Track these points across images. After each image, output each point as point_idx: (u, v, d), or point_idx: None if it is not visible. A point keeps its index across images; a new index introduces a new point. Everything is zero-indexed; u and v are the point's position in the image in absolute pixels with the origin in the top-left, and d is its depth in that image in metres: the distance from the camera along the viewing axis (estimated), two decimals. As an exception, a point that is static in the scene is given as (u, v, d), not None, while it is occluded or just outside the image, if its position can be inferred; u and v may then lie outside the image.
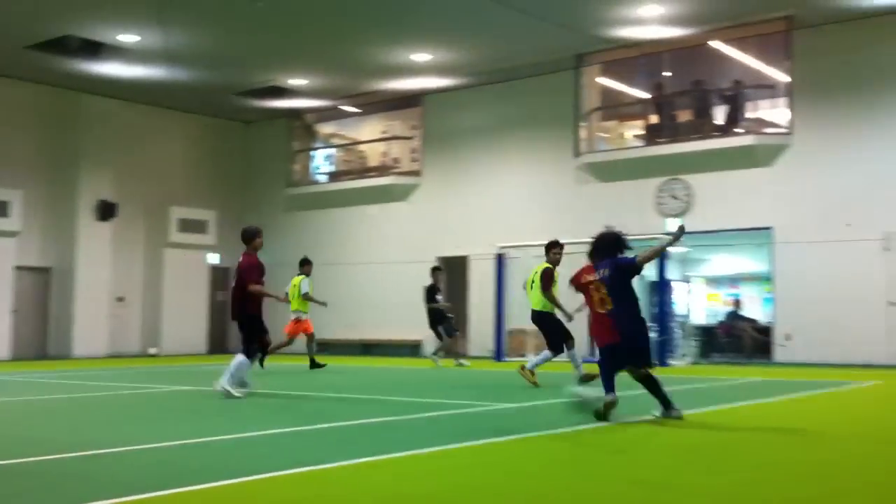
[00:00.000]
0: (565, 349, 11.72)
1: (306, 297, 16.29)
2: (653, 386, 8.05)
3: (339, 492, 4.98)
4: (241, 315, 10.78)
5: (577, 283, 8.58)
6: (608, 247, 8.34)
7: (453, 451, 6.32)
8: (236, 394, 10.18)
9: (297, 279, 16.56)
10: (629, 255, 8.31)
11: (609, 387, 7.90)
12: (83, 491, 4.92)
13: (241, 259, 10.91)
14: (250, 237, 10.90)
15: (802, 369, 15.79)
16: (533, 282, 11.95)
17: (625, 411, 8.21)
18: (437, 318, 17.67)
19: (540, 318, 11.90)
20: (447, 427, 7.97)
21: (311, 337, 16.48)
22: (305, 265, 16.62)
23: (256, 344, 10.86)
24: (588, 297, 8.37)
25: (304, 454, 6.20)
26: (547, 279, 11.70)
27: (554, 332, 11.77)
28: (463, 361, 17.63)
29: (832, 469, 5.68)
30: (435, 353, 17.70)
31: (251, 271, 10.68)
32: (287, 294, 16.44)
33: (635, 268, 8.19)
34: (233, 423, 8.12)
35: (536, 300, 11.85)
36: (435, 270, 18.24)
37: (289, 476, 5.29)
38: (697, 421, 7.98)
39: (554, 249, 12.03)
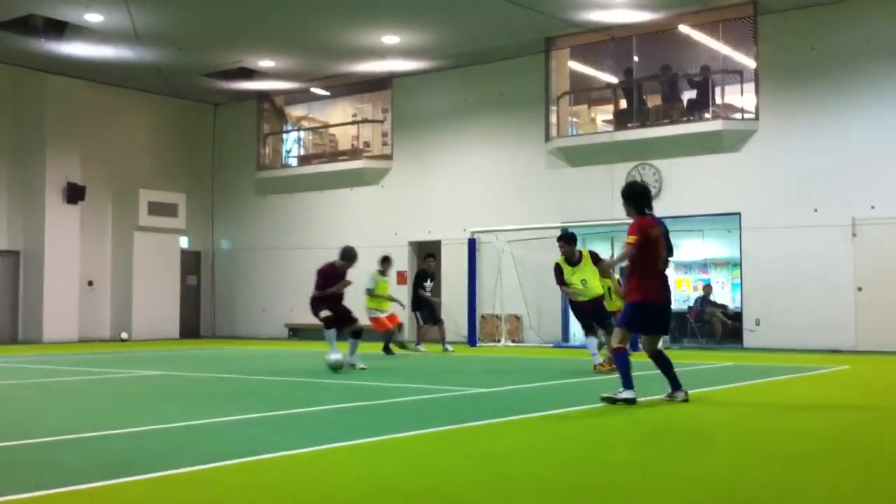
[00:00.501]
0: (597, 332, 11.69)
1: (369, 293, 15.95)
2: (666, 366, 8.13)
3: (301, 478, 4.96)
4: (315, 315, 12.58)
5: (647, 236, 7.79)
6: (649, 196, 8.07)
7: (423, 435, 6.33)
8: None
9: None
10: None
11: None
12: (45, 478, 4.86)
13: (325, 265, 12.81)
14: (352, 258, 12.71)
15: (772, 354, 15.94)
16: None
17: (596, 395, 8.24)
18: (418, 305, 17.60)
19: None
20: (417, 412, 7.98)
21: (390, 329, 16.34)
22: (383, 263, 16.42)
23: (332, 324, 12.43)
24: (654, 249, 7.82)
25: (269, 440, 6.17)
26: (557, 273, 11.60)
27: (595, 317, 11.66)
28: (448, 347, 17.48)
29: (803, 453, 5.73)
30: (417, 343, 17.71)
31: (321, 277, 12.61)
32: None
33: (672, 253, 8.03)
34: (200, 408, 8.08)
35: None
36: (427, 257, 18.19)
37: (253, 462, 5.27)
38: (670, 406, 8.03)
39: (559, 243, 11.84)
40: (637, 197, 8.07)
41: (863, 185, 16.78)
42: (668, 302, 8.01)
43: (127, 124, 24.14)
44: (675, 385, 8.11)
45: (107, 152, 23.49)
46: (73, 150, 22.42)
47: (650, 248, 7.81)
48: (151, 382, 11.13)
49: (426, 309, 17.62)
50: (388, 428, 6.56)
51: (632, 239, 7.75)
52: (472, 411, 7.82)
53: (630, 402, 7.78)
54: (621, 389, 7.87)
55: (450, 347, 17.52)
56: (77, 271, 22.37)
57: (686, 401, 8.02)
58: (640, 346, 8.47)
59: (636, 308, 7.89)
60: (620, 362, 7.95)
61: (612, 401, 7.83)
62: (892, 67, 16.68)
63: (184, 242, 24.87)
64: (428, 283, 17.70)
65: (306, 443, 5.91)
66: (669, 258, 8.02)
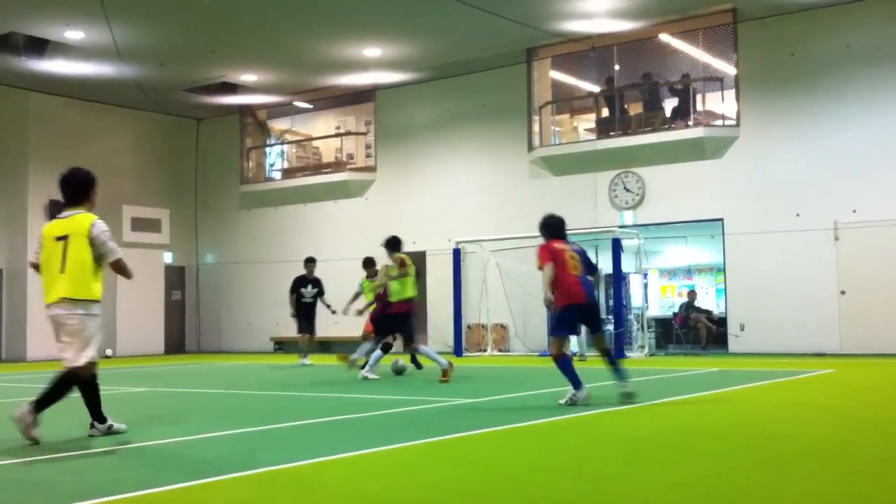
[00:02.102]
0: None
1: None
2: (612, 362, 8.90)
3: (289, 492, 4.96)
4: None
5: (553, 252, 8.89)
6: (562, 225, 9.29)
7: (411, 447, 6.33)
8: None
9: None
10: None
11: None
12: (32, 498, 4.84)
13: None
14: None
15: (757, 359, 16.01)
16: None
17: (586, 404, 8.26)
18: (297, 311, 17.02)
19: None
20: (404, 424, 7.98)
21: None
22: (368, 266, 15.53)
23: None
24: (563, 261, 8.83)
25: (257, 455, 6.15)
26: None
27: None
28: (305, 361, 16.97)
29: (789, 458, 5.76)
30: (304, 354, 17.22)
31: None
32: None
33: (596, 270, 9.30)
34: (186, 423, 8.06)
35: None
36: (307, 262, 17.60)
37: (241, 478, 5.26)
38: (655, 412, 8.06)
39: None
40: (550, 228, 9.27)
41: (844, 190, 16.90)
42: (591, 301, 8.94)
43: (109, 140, 24.06)
44: (621, 378, 8.82)
45: (89, 169, 23.31)
46: (55, 167, 21.81)
47: (559, 262, 8.84)
48: (137, 399, 11.08)
49: (305, 317, 17.06)
50: (377, 440, 6.56)
51: (540, 263, 8.88)
52: (459, 422, 7.83)
53: (582, 398, 8.58)
54: (573, 391, 8.60)
55: (307, 361, 16.93)
56: (61, 288, 22.22)
57: (630, 393, 8.69)
58: (594, 345, 9.48)
59: (562, 311, 8.89)
60: (563, 368, 8.77)
61: (572, 403, 8.52)
62: (870, 73, 16.84)
63: (168, 258, 24.79)
64: (308, 290, 17.17)
65: (294, 457, 5.90)
66: (591, 275, 9.16)
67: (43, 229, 7.00)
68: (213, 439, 6.99)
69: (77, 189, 7.10)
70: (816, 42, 17.41)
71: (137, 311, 23.44)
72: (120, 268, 7.06)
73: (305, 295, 17.15)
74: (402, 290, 12.56)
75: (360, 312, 14.44)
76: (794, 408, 8.70)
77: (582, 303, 8.81)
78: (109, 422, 7.06)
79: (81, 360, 6.86)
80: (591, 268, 9.20)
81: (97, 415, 7.02)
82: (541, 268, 8.85)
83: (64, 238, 6.78)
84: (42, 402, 6.82)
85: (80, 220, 6.88)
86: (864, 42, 16.96)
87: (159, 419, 8.71)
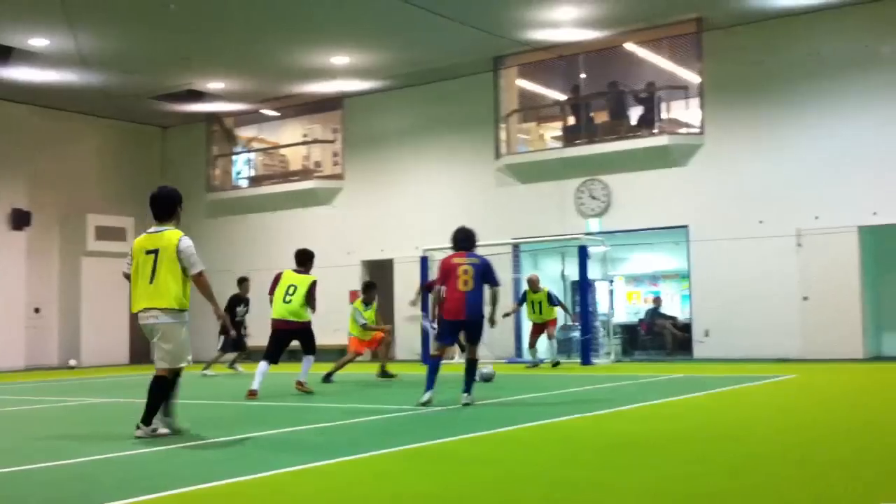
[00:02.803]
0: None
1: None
2: (468, 373, 9.63)
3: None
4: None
5: (447, 270, 9.70)
6: (469, 238, 9.99)
7: (381, 456, 6.33)
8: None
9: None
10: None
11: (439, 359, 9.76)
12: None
13: None
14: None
15: (721, 365, 16.16)
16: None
17: (554, 411, 8.31)
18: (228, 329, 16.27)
19: None
20: (374, 432, 7.97)
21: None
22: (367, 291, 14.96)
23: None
24: (454, 277, 9.60)
25: (224, 466, 6.13)
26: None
27: None
28: (237, 367, 17.40)
29: (755, 462, 5.83)
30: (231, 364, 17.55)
31: None
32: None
33: (495, 283, 9.88)
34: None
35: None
36: (241, 282, 17.79)
37: (207, 489, 5.24)
38: (624, 418, 8.13)
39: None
40: (456, 241, 10.00)
41: (806, 197, 17.13)
42: (470, 319, 9.62)
43: (74, 148, 23.84)
44: (467, 389, 9.57)
45: (53, 177, 23.16)
46: (18, 176, 22.09)
47: (450, 278, 9.61)
48: (101, 410, 10.99)
49: (236, 337, 16.68)
50: (345, 450, 6.55)
51: (437, 282, 9.89)
52: (430, 430, 7.84)
53: (425, 399, 9.42)
54: (425, 393, 9.42)
55: (239, 368, 17.32)
56: (23, 298, 22.01)
57: (468, 404, 9.37)
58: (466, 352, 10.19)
59: (445, 324, 9.83)
60: (429, 367, 9.72)
61: (425, 405, 9.35)
62: (834, 82, 17.08)
63: (133, 266, 24.53)
64: (241, 309, 17.35)
65: (262, 467, 5.87)
66: (494, 287, 9.84)
67: (134, 243, 7.68)
68: (173, 451, 6.93)
69: (166, 206, 7.71)
70: (780, 51, 17.64)
71: (102, 321, 23.19)
72: (201, 282, 7.64)
73: (239, 314, 17.35)
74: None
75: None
76: (759, 412, 8.81)
77: (462, 319, 9.61)
78: (154, 425, 7.47)
79: (175, 364, 7.50)
80: (491, 281, 9.79)
81: (148, 417, 7.42)
82: (437, 281, 9.83)
83: (154, 252, 7.44)
84: (148, 412, 7.42)
85: (168, 236, 7.52)
86: (829, 52, 17.20)
87: (118, 431, 8.64)
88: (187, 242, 7.54)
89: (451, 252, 10.00)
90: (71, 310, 23.07)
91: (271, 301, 12.13)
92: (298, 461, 6.07)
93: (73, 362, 22.55)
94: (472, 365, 9.73)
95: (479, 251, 10.18)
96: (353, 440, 7.37)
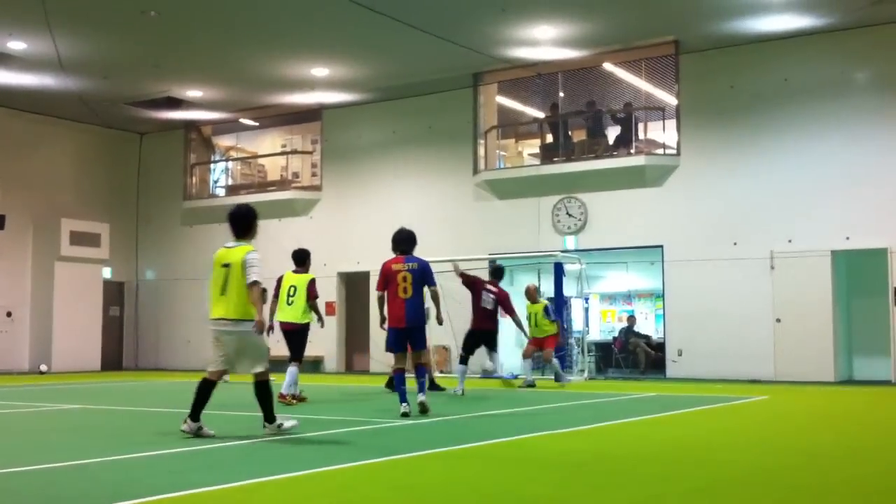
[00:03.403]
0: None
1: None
2: (420, 373, 10.03)
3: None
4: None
5: (387, 276, 9.88)
6: (408, 240, 10.09)
7: (348, 469, 6.31)
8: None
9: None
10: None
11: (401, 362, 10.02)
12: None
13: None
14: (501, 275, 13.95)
15: (694, 384, 16.23)
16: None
17: (523, 427, 8.31)
18: None
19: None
20: (343, 445, 7.94)
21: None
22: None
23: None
24: (394, 284, 9.79)
25: (193, 476, 6.10)
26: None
27: None
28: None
29: (724, 483, 5.86)
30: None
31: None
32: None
33: (432, 283, 10.02)
34: (121, 443, 7.93)
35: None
36: None
37: (175, 498, 5.20)
38: (592, 436, 8.14)
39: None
40: (395, 242, 10.18)
41: (780, 220, 17.29)
42: (410, 325, 9.86)
43: (49, 153, 23.69)
44: (421, 390, 9.97)
45: (28, 181, 23.00)
46: (-8, 178, 21.93)
47: (391, 285, 9.83)
48: (70, 416, 10.89)
49: None
50: (315, 462, 6.54)
51: (377, 287, 10.05)
52: (399, 444, 7.83)
53: (402, 410, 9.62)
54: (402, 405, 9.64)
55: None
56: (-5, 302, 21.84)
57: (422, 404, 9.80)
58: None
59: (389, 332, 9.99)
60: (395, 382, 10.01)
61: (404, 416, 9.55)
62: (807, 106, 17.28)
63: (107, 273, 24.41)
64: None
65: (231, 478, 5.84)
66: (433, 286, 10.05)
67: (214, 255, 8.28)
68: (143, 459, 6.89)
69: (243, 224, 8.35)
70: (755, 75, 17.83)
71: (74, 327, 23.01)
72: (254, 293, 7.97)
73: None
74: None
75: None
76: (728, 434, 8.85)
77: (403, 327, 9.83)
78: (279, 421, 8.19)
79: (259, 368, 8.08)
80: (429, 282, 9.97)
81: (270, 416, 8.13)
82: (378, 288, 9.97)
83: (227, 266, 8.06)
84: (267, 412, 8.14)
85: (239, 252, 8.12)
86: (802, 76, 17.41)
87: (88, 438, 8.57)
88: (253, 256, 8.08)
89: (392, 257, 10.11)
90: (43, 314, 22.87)
91: (274, 305, 12.33)
92: (258, 473, 6.04)
93: (43, 367, 22.35)
94: (421, 371, 10.09)
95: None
96: (325, 452, 7.34)
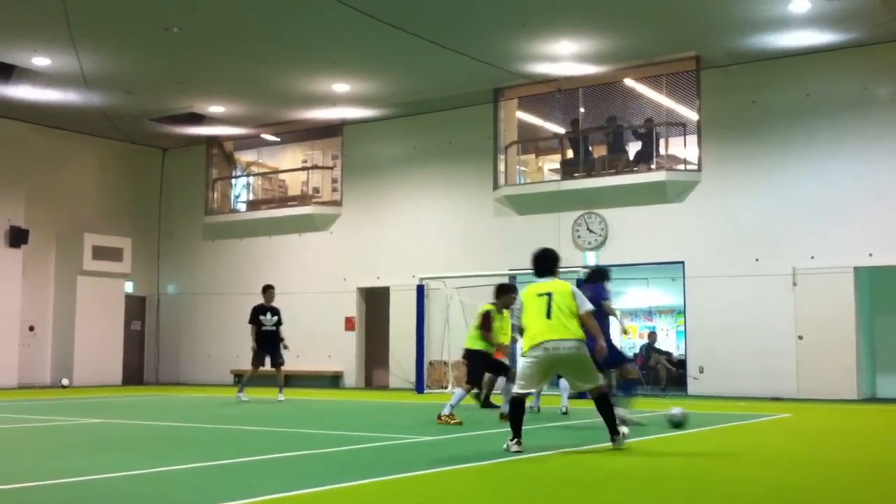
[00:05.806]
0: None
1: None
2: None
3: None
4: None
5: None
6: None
7: (367, 485, 6.29)
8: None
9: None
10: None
11: None
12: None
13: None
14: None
15: (715, 402, 16.11)
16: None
17: (540, 444, 8.26)
18: (257, 342, 15.96)
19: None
20: (362, 461, 7.93)
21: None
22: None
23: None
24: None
25: (211, 490, 6.10)
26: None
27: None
28: (281, 397, 16.09)
29: (746, 501, 5.80)
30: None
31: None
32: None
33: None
34: (141, 457, 7.94)
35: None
36: (266, 290, 16.54)
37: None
38: (613, 453, 8.08)
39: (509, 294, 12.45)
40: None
41: (802, 236, 17.18)
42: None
43: (73, 168, 23.91)
44: None
45: (52, 196, 23.22)
46: (16, 194, 22.12)
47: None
48: (92, 430, 10.93)
49: (265, 347, 15.99)
50: (333, 478, 6.53)
51: None
52: (417, 460, 7.80)
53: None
54: None
55: (282, 397, 16.06)
56: (18, 316, 21.97)
57: None
58: None
59: None
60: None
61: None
62: (828, 121, 17.19)
63: (129, 287, 24.56)
64: (268, 318, 16.12)
65: (249, 493, 5.83)
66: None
67: (526, 289, 8.64)
68: (167, 473, 6.91)
69: (551, 265, 8.82)
70: (777, 91, 17.76)
71: (96, 341, 23.15)
72: (587, 321, 8.35)
73: (266, 323, 16.10)
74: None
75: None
76: (751, 452, 8.77)
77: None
78: (623, 430, 8.44)
79: (600, 381, 8.47)
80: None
81: (614, 427, 8.30)
82: None
83: (547, 294, 8.37)
84: (610, 424, 8.31)
85: (559, 283, 8.55)
86: (824, 92, 17.33)
87: (112, 452, 8.59)
88: (575, 288, 8.56)
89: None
90: (65, 328, 23.03)
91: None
92: (281, 489, 6.04)
93: (65, 381, 22.48)
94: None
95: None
96: (333, 469, 7.33)
